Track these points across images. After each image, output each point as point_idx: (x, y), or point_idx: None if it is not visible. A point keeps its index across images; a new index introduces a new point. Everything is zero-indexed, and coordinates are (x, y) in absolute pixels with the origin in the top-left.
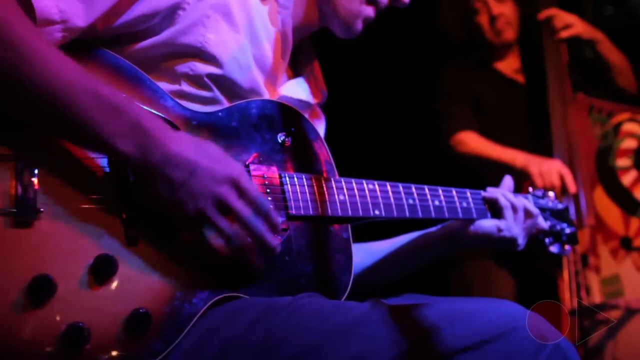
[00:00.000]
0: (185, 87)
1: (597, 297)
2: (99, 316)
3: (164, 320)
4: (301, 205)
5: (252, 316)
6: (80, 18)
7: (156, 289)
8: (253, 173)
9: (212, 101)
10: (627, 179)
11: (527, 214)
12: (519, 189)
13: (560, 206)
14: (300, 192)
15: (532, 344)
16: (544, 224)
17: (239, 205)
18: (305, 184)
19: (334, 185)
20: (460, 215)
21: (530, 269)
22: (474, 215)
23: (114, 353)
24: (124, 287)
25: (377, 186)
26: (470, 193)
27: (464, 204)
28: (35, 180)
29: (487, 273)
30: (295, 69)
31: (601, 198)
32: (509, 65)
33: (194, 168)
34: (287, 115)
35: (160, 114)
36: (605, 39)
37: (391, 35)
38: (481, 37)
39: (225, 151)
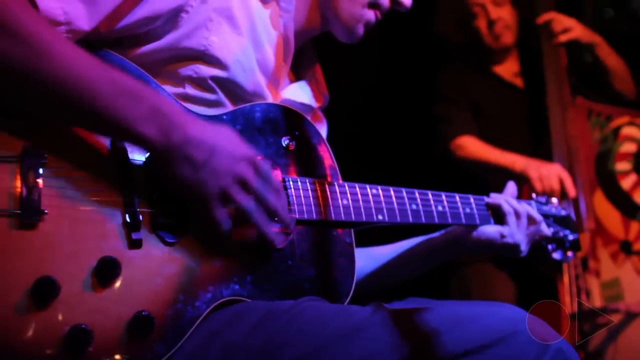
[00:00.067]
0: (190, 89)
1: (597, 301)
2: (102, 318)
3: (166, 323)
4: (304, 210)
5: (253, 320)
6: (84, 20)
7: (159, 291)
8: None
9: (216, 104)
10: (626, 183)
11: (530, 220)
12: (518, 193)
13: (563, 212)
14: (304, 196)
15: (533, 348)
16: (547, 230)
17: (258, 182)
18: (308, 188)
19: (337, 190)
20: (463, 220)
21: (530, 273)
22: (477, 221)
23: (117, 356)
24: (127, 290)
25: (380, 191)
26: (474, 199)
27: (467, 210)
28: (40, 181)
29: (486, 277)
30: (297, 73)
31: (601, 202)
32: (508, 69)
33: (213, 148)
34: (291, 119)
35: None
36: (604, 43)
37: (390, 40)
38: (480, 41)
39: None
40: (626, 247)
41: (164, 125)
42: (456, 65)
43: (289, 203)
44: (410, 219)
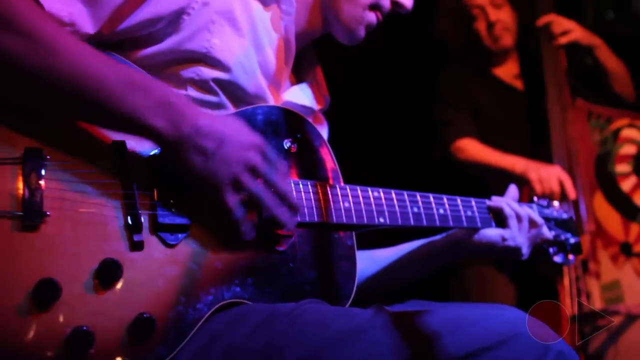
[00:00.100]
0: (192, 92)
1: (597, 303)
2: (104, 320)
3: (168, 325)
4: (306, 212)
5: (254, 322)
6: (88, 22)
7: (161, 293)
8: None
9: (218, 106)
10: (626, 185)
11: (532, 223)
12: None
13: (565, 216)
14: (305, 199)
15: (534, 350)
16: (548, 233)
17: (266, 168)
18: (310, 190)
19: (339, 193)
20: (465, 224)
21: (530, 275)
22: (479, 224)
23: (118, 358)
24: (129, 292)
25: (382, 194)
26: (475, 202)
27: (469, 213)
28: (42, 183)
29: (487, 279)
30: (298, 75)
31: (601, 204)
32: (508, 71)
33: (222, 137)
34: (293, 121)
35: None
36: (604, 45)
37: (390, 42)
38: (479, 43)
39: None
40: (626, 249)
41: (173, 117)
42: (456, 67)
43: None
44: (412, 222)
